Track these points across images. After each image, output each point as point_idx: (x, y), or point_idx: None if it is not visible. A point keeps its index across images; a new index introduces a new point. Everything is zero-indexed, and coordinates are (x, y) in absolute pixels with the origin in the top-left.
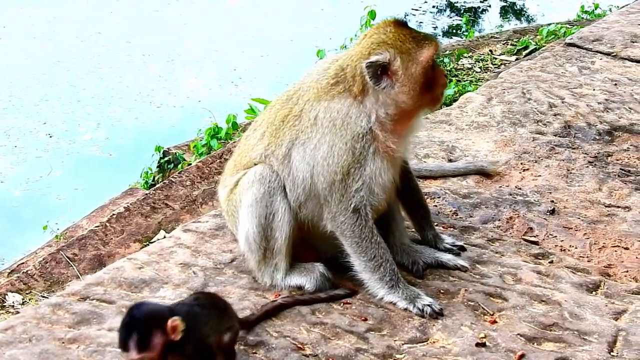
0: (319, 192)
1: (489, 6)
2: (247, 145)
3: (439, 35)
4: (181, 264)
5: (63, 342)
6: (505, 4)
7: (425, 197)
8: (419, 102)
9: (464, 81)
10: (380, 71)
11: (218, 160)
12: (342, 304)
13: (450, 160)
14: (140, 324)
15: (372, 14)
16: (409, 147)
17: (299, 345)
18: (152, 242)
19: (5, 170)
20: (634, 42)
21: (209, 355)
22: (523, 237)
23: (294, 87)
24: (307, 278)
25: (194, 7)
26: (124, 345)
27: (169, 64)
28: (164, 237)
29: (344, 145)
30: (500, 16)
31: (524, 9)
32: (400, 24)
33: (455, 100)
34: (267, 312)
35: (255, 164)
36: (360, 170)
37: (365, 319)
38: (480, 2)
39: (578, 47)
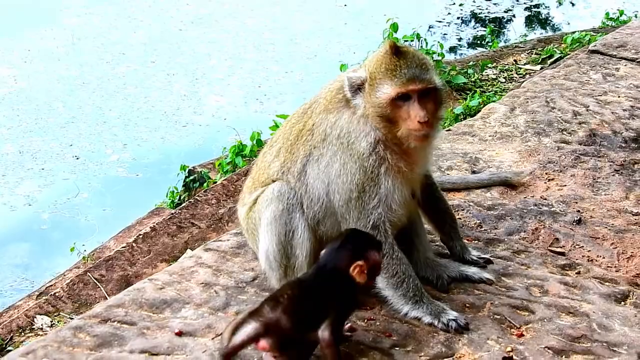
0: (336, 209)
1: (514, 16)
2: (264, 162)
3: (464, 47)
4: (202, 283)
5: None
6: (529, 13)
7: None
8: (388, 130)
9: (489, 92)
10: (357, 88)
11: (243, 178)
12: (365, 320)
13: (473, 172)
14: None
15: (395, 27)
16: (427, 163)
17: None
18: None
19: (33, 193)
20: None
21: None
22: (549, 248)
23: (311, 100)
24: None
25: (217, 25)
26: None
27: (194, 83)
28: (190, 256)
29: (354, 164)
30: (526, 26)
31: (549, 18)
32: (393, 50)
33: (479, 111)
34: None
35: (274, 181)
36: (375, 188)
37: (390, 335)
38: (504, 12)
39: (602, 54)
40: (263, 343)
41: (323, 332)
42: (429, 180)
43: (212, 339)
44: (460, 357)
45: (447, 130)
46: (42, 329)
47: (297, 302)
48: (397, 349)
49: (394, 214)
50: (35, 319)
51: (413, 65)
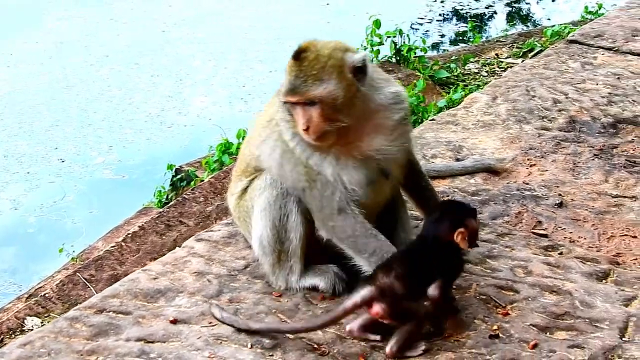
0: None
1: (495, 12)
2: (244, 150)
3: (445, 43)
4: (195, 272)
5: (82, 355)
6: (510, 9)
7: None
8: (294, 125)
9: (472, 85)
10: None
11: (230, 175)
12: None
13: (457, 160)
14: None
15: (377, 23)
16: (385, 142)
17: (315, 346)
18: None
19: (18, 197)
20: (635, 37)
21: None
22: (532, 230)
23: None
24: (321, 278)
25: (200, 26)
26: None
27: (178, 84)
28: (183, 247)
29: (292, 156)
30: (507, 22)
31: (530, 14)
32: (294, 54)
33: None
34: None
35: (255, 169)
36: (321, 176)
37: None
38: (486, 7)
39: (580, 43)
40: (377, 308)
41: (433, 291)
42: (415, 167)
43: (207, 325)
44: (448, 336)
45: (430, 120)
46: (32, 330)
47: (408, 268)
48: None
49: (354, 194)
50: (25, 321)
51: (300, 76)
